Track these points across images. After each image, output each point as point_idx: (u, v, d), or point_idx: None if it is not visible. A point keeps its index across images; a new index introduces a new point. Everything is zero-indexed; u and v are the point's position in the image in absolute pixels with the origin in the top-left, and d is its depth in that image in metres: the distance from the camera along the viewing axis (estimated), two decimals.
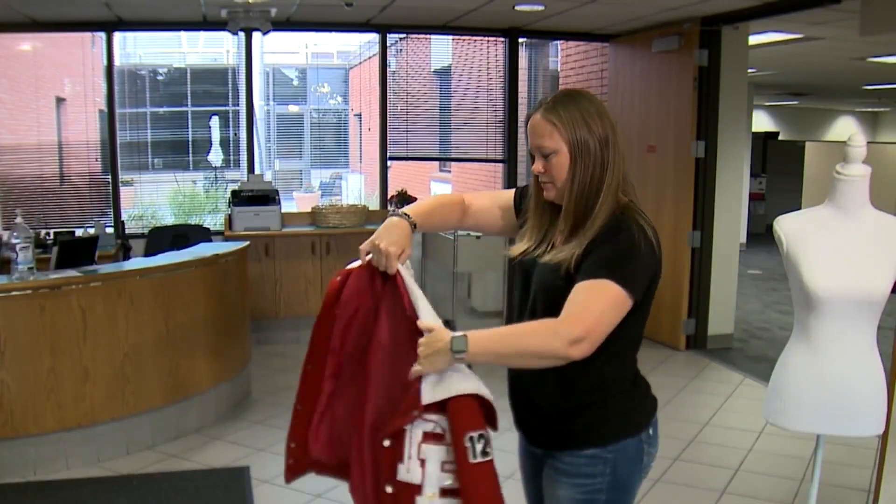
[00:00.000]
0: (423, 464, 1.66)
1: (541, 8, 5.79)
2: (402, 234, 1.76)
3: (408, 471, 1.67)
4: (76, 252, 5.05)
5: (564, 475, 1.82)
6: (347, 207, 6.52)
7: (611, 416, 1.80)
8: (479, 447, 1.60)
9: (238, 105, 7.21)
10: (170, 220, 8.79)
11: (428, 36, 7.55)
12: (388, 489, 1.69)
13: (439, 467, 1.65)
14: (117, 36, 6.52)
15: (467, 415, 1.61)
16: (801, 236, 2.58)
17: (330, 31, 7.09)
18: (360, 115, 14.45)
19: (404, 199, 6.65)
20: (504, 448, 1.87)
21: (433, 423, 1.65)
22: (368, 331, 1.77)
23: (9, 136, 6.92)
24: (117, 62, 6.70)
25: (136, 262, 4.53)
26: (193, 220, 8.59)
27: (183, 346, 4.25)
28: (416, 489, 1.66)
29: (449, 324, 1.69)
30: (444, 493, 1.66)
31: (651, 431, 1.87)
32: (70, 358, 3.78)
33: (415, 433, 1.66)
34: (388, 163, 7.06)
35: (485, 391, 1.63)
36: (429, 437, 1.66)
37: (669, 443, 4.27)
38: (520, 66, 7.07)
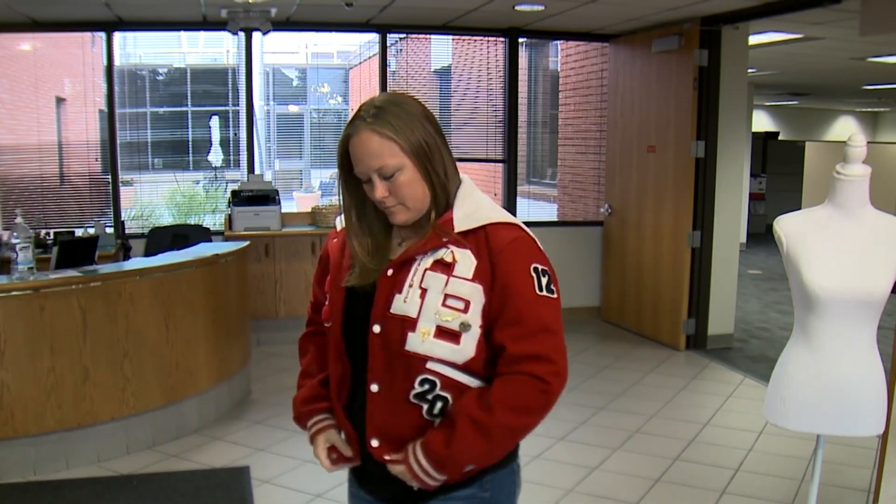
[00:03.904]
0: (424, 294, 1.45)
1: (541, 8, 5.79)
2: None
3: (405, 300, 1.46)
4: (76, 252, 5.05)
5: None
6: None
7: None
8: (544, 281, 1.42)
9: (238, 105, 7.20)
10: (169, 220, 8.78)
11: (428, 36, 7.54)
12: (376, 328, 1.49)
13: (441, 300, 1.44)
14: (117, 36, 6.51)
15: (526, 248, 1.45)
16: (801, 236, 2.58)
17: (330, 31, 7.08)
18: None
19: None
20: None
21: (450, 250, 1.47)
22: None
23: (9, 136, 6.91)
24: (117, 62, 6.69)
25: (136, 262, 4.52)
26: (193, 220, 8.58)
27: (183, 346, 4.25)
28: (411, 324, 1.45)
29: None
30: (441, 333, 1.44)
31: (518, 460, 1.62)
32: (70, 358, 3.77)
33: (425, 260, 1.47)
34: None
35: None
36: (438, 265, 1.46)
37: (669, 443, 4.27)
38: (520, 66, 7.06)
